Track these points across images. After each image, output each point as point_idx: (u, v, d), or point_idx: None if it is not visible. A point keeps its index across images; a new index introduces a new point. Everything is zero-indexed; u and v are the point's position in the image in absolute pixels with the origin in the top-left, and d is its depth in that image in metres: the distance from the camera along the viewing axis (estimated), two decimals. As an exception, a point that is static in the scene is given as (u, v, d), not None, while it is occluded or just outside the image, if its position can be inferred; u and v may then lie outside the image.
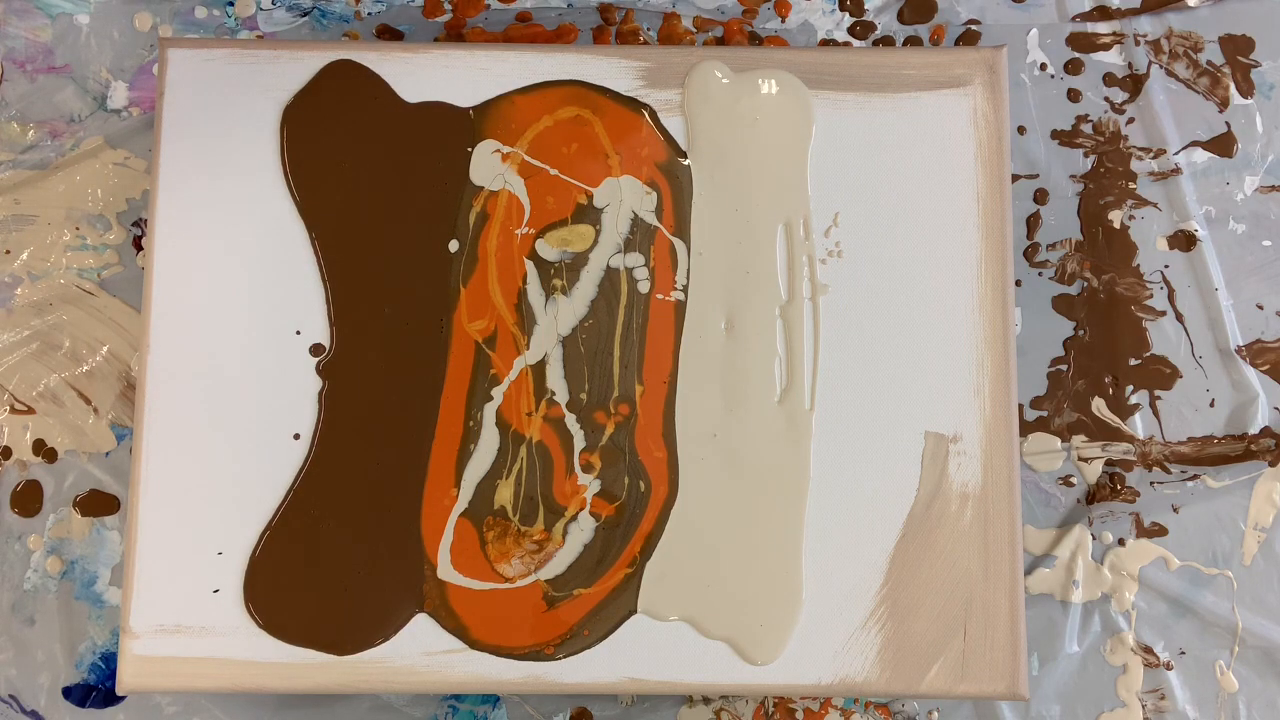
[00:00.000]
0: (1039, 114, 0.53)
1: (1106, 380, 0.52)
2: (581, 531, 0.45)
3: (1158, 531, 0.51)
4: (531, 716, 0.50)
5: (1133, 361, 0.52)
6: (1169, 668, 0.50)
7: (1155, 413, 0.51)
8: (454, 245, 0.46)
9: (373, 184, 0.46)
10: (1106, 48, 0.53)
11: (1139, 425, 0.51)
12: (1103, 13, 0.54)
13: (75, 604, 0.50)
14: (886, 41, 0.53)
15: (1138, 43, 0.53)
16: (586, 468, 0.45)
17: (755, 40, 0.53)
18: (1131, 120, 0.53)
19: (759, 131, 0.47)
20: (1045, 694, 0.50)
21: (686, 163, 0.47)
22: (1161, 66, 0.53)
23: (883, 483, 0.45)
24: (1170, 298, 0.52)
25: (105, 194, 0.52)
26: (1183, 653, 0.50)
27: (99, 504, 0.51)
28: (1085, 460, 0.51)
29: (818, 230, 0.46)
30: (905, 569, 0.45)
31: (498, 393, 0.45)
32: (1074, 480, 0.51)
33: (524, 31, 0.53)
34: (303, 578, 0.45)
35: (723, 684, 0.44)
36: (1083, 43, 0.53)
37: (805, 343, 0.46)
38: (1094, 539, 0.51)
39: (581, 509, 0.45)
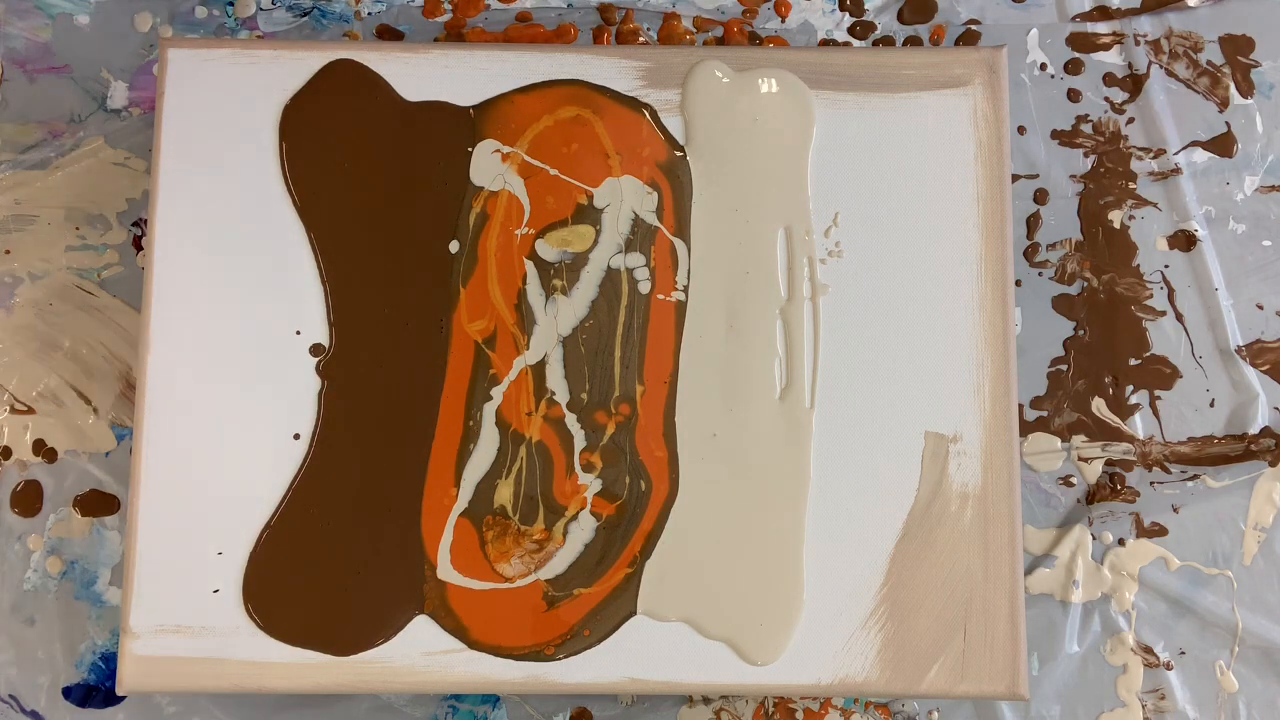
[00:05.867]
0: (1039, 114, 0.53)
1: (1106, 380, 0.52)
2: (582, 531, 0.45)
3: (1158, 531, 0.51)
4: (531, 716, 0.50)
5: (1133, 361, 0.52)
6: (1169, 668, 0.50)
7: (1155, 413, 0.51)
8: (454, 245, 0.46)
9: (373, 184, 0.46)
10: (1106, 48, 0.53)
11: (1139, 425, 0.51)
12: (1103, 13, 0.54)
13: (75, 604, 0.50)
14: (886, 41, 0.53)
15: (1138, 43, 0.53)
16: (587, 467, 0.45)
17: (755, 40, 0.53)
18: (1131, 120, 0.53)
19: (759, 131, 0.47)
20: (1045, 694, 0.50)
21: (686, 158, 0.47)
22: (1161, 66, 0.53)
23: (883, 483, 0.45)
24: (1170, 298, 0.52)
25: (105, 194, 0.52)
26: (1183, 653, 0.50)
27: (99, 504, 0.51)
28: (1085, 460, 0.51)
29: (818, 230, 0.46)
30: (905, 569, 0.45)
31: (497, 393, 0.45)
32: (1074, 480, 0.51)
33: (524, 31, 0.53)
34: (303, 578, 0.45)
35: (723, 684, 0.44)
36: (1083, 43, 0.53)
37: (805, 342, 0.46)
38: (1094, 539, 0.51)
39: (582, 508, 0.45)
